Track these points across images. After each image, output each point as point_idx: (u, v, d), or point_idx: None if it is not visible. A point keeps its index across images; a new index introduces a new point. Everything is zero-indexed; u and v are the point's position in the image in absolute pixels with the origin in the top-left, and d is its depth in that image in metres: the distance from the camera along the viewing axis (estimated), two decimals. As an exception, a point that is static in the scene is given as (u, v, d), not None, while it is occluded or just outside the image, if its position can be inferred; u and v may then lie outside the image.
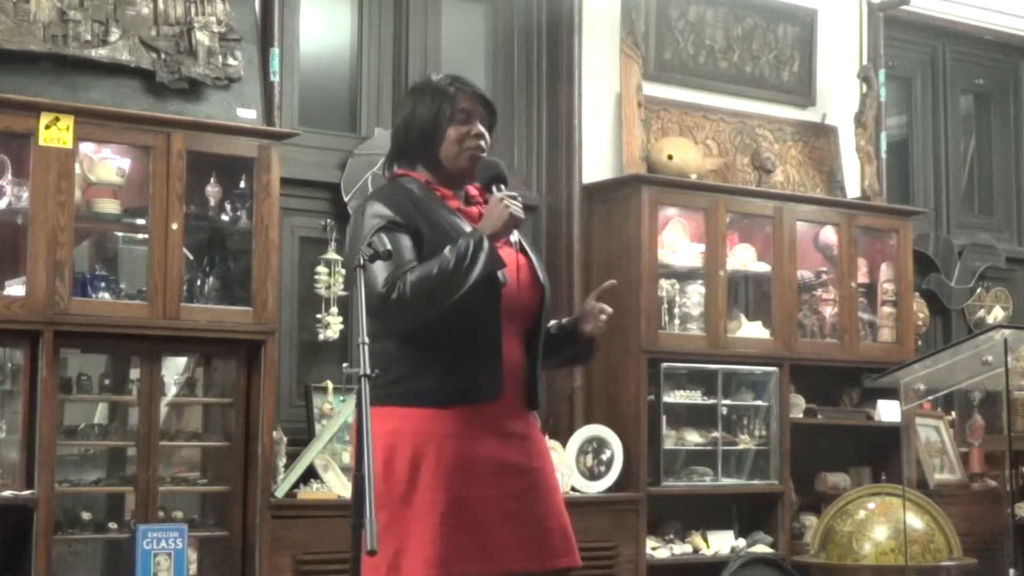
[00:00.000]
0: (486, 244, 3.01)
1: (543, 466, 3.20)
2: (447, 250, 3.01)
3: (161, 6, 5.21)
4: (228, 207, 5.22)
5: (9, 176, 4.82)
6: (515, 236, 3.19)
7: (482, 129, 3.22)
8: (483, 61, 6.45)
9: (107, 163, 5.03)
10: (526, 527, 3.10)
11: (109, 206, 5.03)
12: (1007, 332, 5.27)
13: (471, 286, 2.99)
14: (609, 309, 3.26)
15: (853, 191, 7.11)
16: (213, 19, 5.27)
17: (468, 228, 3.10)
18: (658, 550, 6.02)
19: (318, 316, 5.63)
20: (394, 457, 3.05)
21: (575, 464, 5.93)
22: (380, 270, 3.00)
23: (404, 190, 3.18)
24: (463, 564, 3.01)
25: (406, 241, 3.07)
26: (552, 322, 3.32)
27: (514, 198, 3.08)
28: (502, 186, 3.13)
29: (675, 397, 6.21)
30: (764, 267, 6.49)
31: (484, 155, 3.21)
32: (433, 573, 2.99)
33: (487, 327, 3.08)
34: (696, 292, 6.26)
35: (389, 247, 3.29)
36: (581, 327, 3.28)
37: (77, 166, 4.88)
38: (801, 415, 6.51)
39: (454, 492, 3.03)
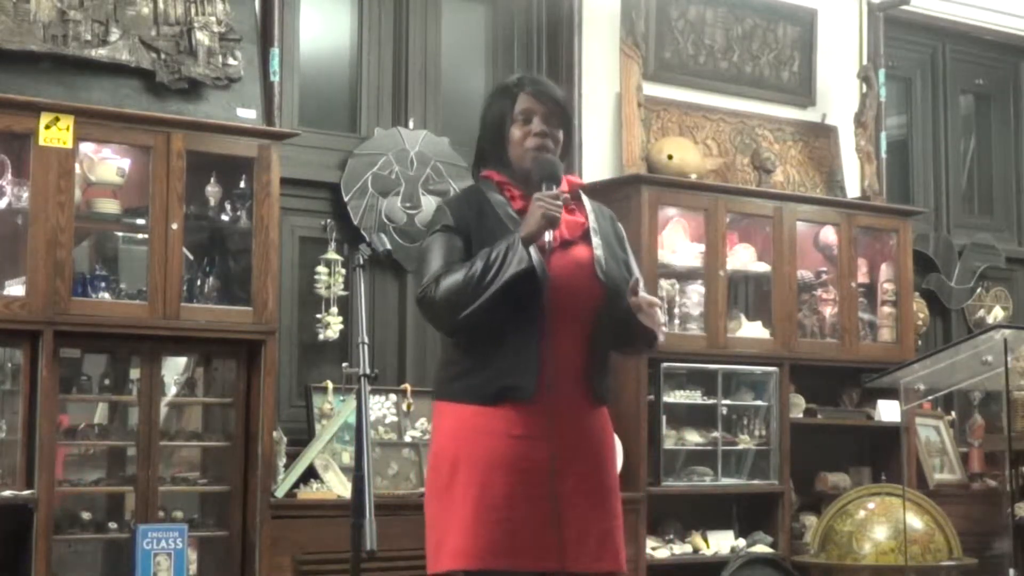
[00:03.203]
0: (518, 244, 3.06)
1: (596, 468, 3.21)
2: (481, 253, 3.08)
3: (161, 6, 5.21)
4: (228, 207, 5.23)
5: (9, 176, 4.83)
6: (593, 232, 3.25)
7: (544, 127, 3.25)
8: (483, 61, 6.45)
9: (107, 163, 5.03)
10: (565, 528, 3.12)
11: (109, 206, 5.03)
12: (1007, 332, 5.27)
13: (501, 287, 3.04)
14: (654, 301, 3.20)
15: (853, 191, 7.12)
16: (213, 19, 5.27)
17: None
18: (658, 550, 6.02)
19: (318, 316, 5.63)
20: (440, 451, 3.18)
21: (575, 464, 5.92)
22: (425, 273, 3.15)
23: (477, 193, 3.27)
24: (493, 559, 3.07)
25: (457, 243, 3.16)
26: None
27: (555, 198, 3.11)
28: (552, 186, 3.16)
29: (675, 397, 6.21)
30: (764, 267, 6.49)
31: (544, 155, 3.23)
32: (462, 563, 3.07)
33: (526, 326, 3.12)
34: (696, 292, 6.26)
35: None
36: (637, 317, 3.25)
37: (77, 166, 4.88)
38: (801, 415, 6.51)
39: (489, 489, 3.10)
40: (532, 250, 3.09)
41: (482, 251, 3.08)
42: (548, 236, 3.12)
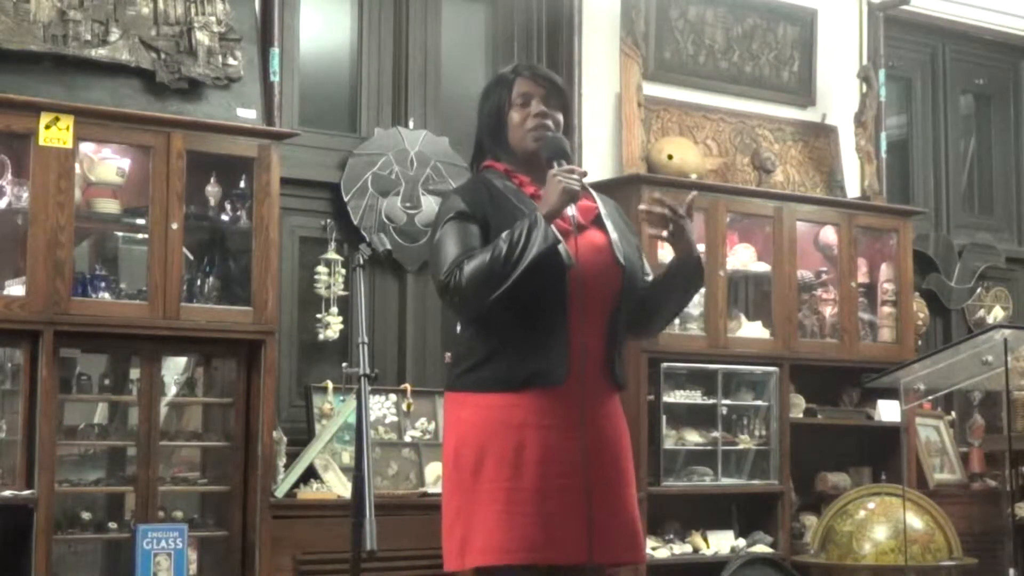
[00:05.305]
0: (541, 223, 3.01)
1: (617, 457, 3.17)
2: (503, 235, 3.02)
3: (161, 6, 5.21)
4: (228, 207, 5.23)
5: (9, 176, 4.83)
6: (605, 216, 3.24)
7: (543, 108, 3.22)
8: (483, 61, 6.45)
9: (107, 163, 5.03)
10: (591, 520, 3.07)
11: (109, 206, 5.03)
12: (1007, 332, 5.27)
13: (528, 266, 2.99)
14: (665, 207, 3.21)
15: (853, 191, 7.12)
16: (213, 19, 5.27)
17: None
18: (658, 550, 6.02)
19: (318, 316, 5.63)
20: (463, 445, 3.10)
21: (575, 464, 5.92)
22: (445, 260, 3.06)
23: (484, 182, 3.22)
24: (527, 553, 3.03)
25: (473, 230, 3.10)
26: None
27: (571, 172, 3.08)
28: (562, 162, 3.13)
29: (675, 397, 6.21)
30: (764, 267, 6.50)
31: (549, 133, 3.20)
32: (493, 559, 3.02)
33: (552, 310, 3.07)
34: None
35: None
36: (673, 247, 3.26)
37: (77, 166, 4.88)
38: (801, 415, 6.51)
39: (518, 482, 3.04)
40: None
41: (504, 232, 3.02)
42: (572, 211, 3.11)
